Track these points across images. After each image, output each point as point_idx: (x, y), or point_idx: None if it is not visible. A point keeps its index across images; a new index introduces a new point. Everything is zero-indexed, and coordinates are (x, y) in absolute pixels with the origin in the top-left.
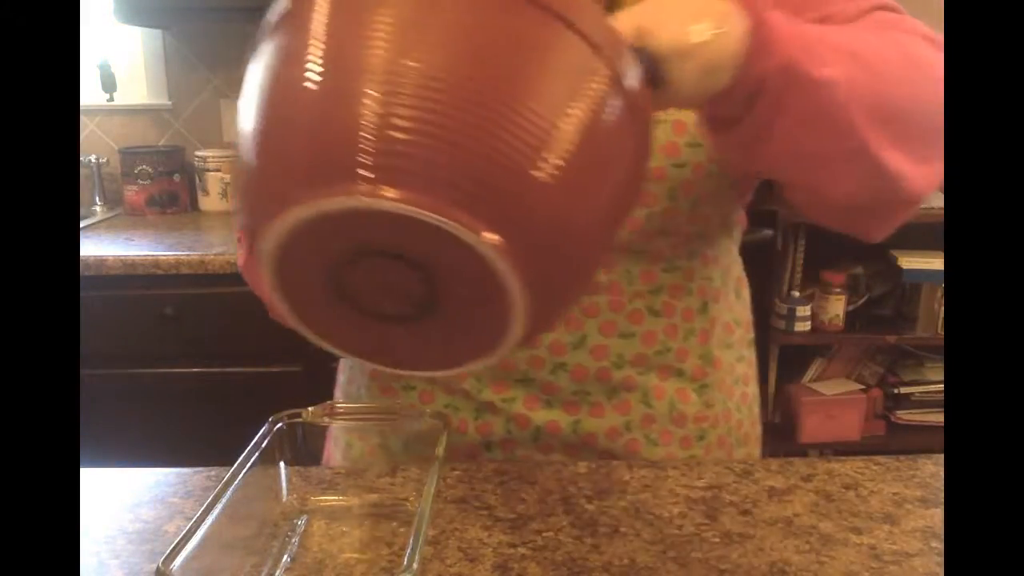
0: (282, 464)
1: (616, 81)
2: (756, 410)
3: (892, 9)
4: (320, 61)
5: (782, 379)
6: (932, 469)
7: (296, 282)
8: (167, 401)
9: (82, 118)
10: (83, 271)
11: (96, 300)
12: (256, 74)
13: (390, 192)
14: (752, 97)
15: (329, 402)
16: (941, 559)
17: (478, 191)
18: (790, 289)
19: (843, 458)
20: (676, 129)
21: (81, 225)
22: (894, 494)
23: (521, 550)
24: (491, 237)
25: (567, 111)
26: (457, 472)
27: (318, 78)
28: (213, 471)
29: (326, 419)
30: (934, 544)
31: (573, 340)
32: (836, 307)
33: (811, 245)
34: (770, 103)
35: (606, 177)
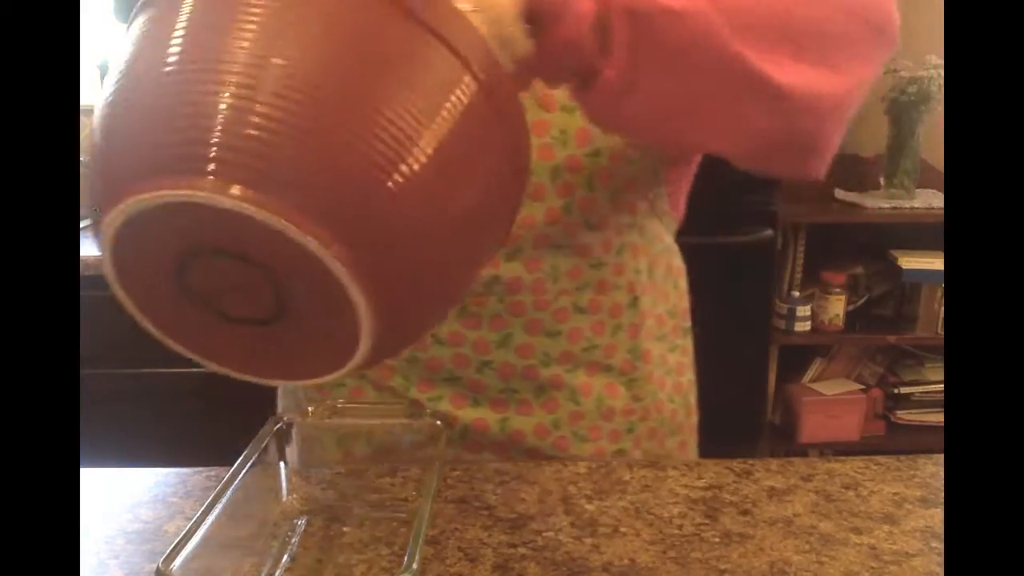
0: (282, 464)
1: (479, 86)
2: (692, 399)
3: None
4: (180, 46)
5: (782, 379)
6: (932, 469)
7: (138, 274)
8: (167, 401)
9: (82, 118)
10: (83, 271)
11: (96, 300)
12: (121, 50)
13: (234, 190)
14: (603, 46)
15: (329, 402)
16: (941, 559)
17: (326, 197)
18: (790, 289)
19: (843, 458)
20: None
21: (81, 225)
22: (894, 494)
23: (521, 550)
24: (335, 246)
25: (425, 119)
26: (457, 472)
27: (175, 63)
28: (213, 471)
29: (326, 419)
30: (934, 544)
31: (498, 338)
32: (836, 307)
33: (811, 245)
34: (624, 49)
35: (467, 187)
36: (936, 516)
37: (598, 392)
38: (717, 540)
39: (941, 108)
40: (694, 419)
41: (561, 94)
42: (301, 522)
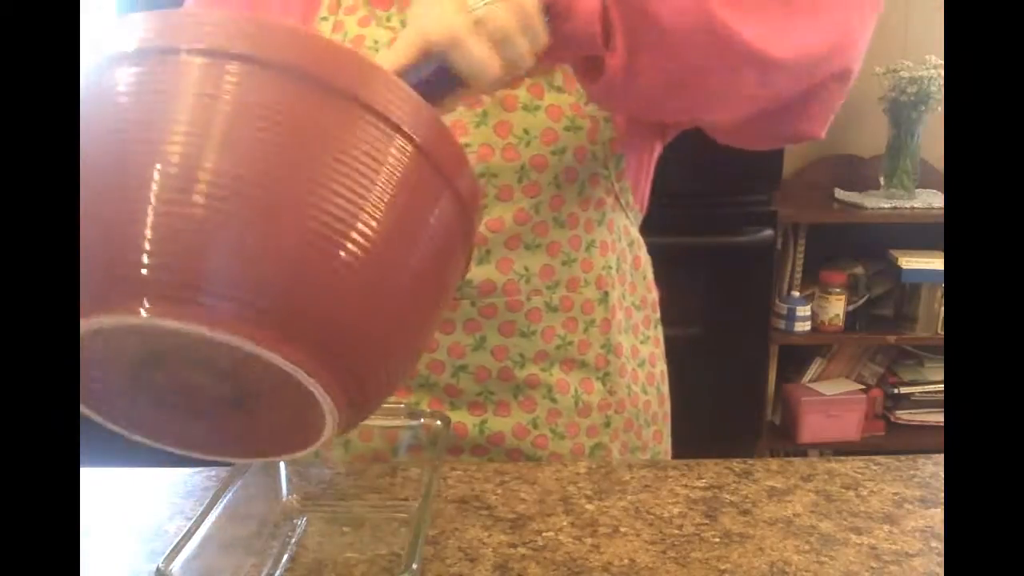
0: (282, 464)
1: (415, 147)
2: (664, 389)
3: None
4: (105, 161)
5: (782, 379)
6: (932, 469)
7: (96, 377)
8: None
9: None
10: None
11: None
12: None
13: (172, 311)
14: (606, 37)
15: None
16: (941, 559)
17: (268, 299)
18: (790, 289)
19: (843, 458)
20: (552, 115)
21: None
22: (894, 494)
23: (521, 550)
24: (287, 348)
25: (363, 195)
26: (457, 472)
27: (105, 173)
28: (213, 471)
29: None
30: (934, 544)
31: (473, 342)
32: (836, 307)
33: (811, 245)
34: (622, 37)
35: (418, 249)
36: (936, 516)
37: (574, 388)
38: (717, 540)
39: (941, 108)
40: (667, 407)
41: (523, 93)
42: (301, 522)
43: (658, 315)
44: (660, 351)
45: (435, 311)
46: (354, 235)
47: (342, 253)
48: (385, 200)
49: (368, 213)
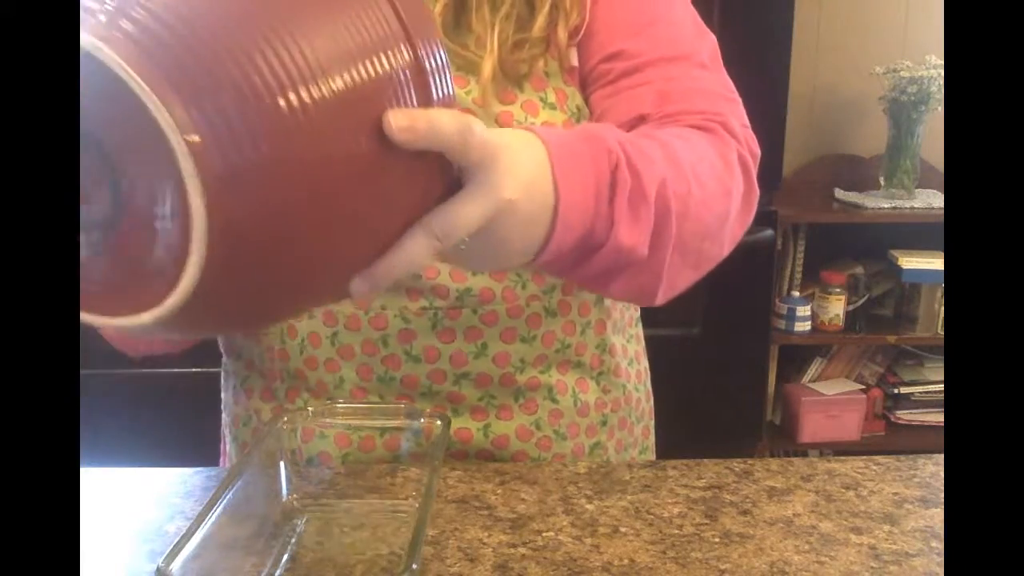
0: (282, 464)
1: (412, 53)
2: (648, 385)
3: (698, 64)
4: None
5: (782, 379)
6: (932, 469)
7: None
8: (167, 401)
9: None
10: None
11: None
12: None
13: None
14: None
15: (329, 401)
16: (941, 559)
17: (196, 78)
18: (790, 289)
19: (843, 458)
20: (531, 111)
21: None
22: (894, 494)
23: (521, 550)
24: (190, 134)
25: (340, 54)
26: (457, 472)
27: None
28: (213, 471)
29: (326, 419)
30: (934, 544)
31: (474, 350)
32: (836, 307)
33: (811, 245)
34: (566, 266)
35: (360, 151)
36: (936, 516)
37: (571, 389)
38: (717, 540)
39: (941, 108)
40: (652, 403)
41: (518, 111)
42: (301, 522)
43: (639, 313)
44: (642, 348)
45: (351, 235)
46: (311, 84)
47: (293, 90)
48: (357, 78)
49: (333, 74)
